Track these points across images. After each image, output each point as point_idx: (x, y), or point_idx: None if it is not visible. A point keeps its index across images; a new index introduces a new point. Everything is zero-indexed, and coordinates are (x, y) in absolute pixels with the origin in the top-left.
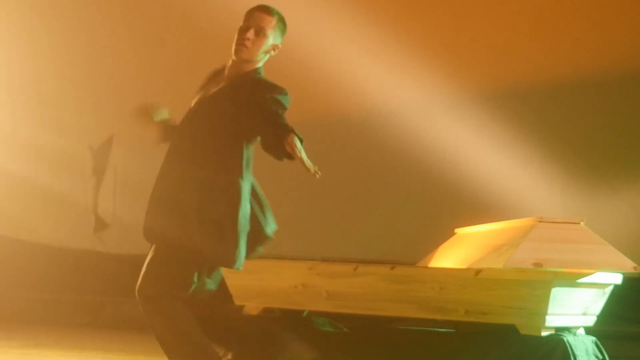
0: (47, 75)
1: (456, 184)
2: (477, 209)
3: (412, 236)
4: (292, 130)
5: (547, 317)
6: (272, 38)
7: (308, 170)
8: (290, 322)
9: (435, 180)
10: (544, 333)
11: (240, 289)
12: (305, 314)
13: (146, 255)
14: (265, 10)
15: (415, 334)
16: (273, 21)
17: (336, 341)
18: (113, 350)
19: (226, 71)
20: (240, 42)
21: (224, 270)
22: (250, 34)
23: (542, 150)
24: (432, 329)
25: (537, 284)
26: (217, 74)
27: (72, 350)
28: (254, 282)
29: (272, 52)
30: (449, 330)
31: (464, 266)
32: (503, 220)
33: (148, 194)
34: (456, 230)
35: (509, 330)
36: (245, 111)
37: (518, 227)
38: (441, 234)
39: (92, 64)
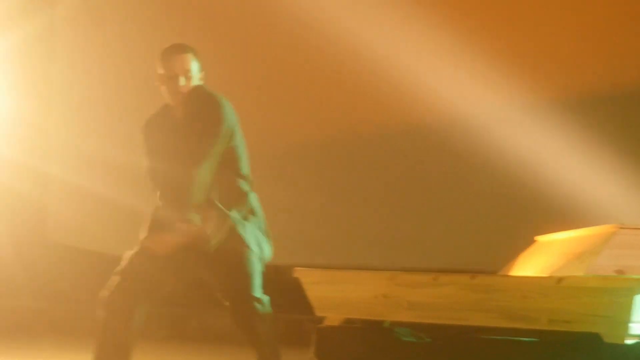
0: (114, 87)
1: (537, 191)
2: (558, 216)
3: (493, 244)
4: None
5: (631, 325)
6: (197, 70)
7: None
8: (371, 332)
9: (516, 188)
10: (628, 341)
11: (320, 300)
12: (386, 324)
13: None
14: (181, 50)
15: (498, 343)
16: (191, 58)
17: (419, 351)
18: None
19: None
20: (176, 91)
21: (303, 282)
22: (182, 81)
23: (622, 156)
24: (515, 338)
25: (619, 292)
26: (160, 119)
27: None
28: (334, 293)
29: (201, 82)
30: (532, 339)
31: (545, 274)
32: (584, 227)
33: None
34: (536, 237)
35: (593, 339)
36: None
37: (599, 234)
38: (522, 241)
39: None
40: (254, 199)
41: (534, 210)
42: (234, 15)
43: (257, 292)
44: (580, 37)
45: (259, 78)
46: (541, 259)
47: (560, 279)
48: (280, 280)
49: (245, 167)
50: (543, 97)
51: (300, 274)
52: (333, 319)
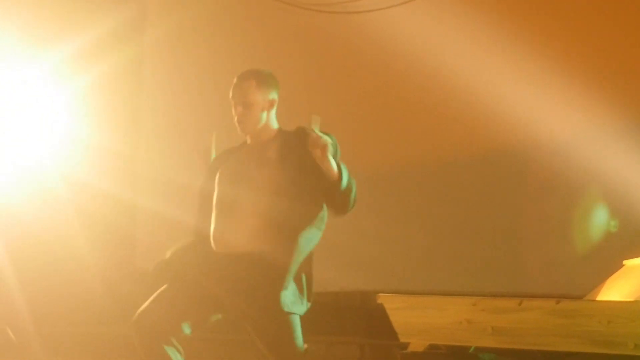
0: (202, 116)
1: (625, 214)
2: None
3: (579, 269)
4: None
5: None
6: (261, 97)
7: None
8: (456, 358)
9: (603, 211)
10: None
11: (404, 325)
12: (471, 350)
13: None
14: (242, 78)
15: None
16: (252, 84)
17: None
18: None
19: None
20: (236, 121)
21: (388, 308)
22: (239, 110)
23: None
24: None
25: None
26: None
27: None
28: (417, 318)
29: (272, 109)
30: None
31: (632, 299)
32: None
33: None
34: (625, 262)
35: None
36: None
37: None
38: (610, 266)
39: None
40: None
41: (622, 234)
42: (321, 42)
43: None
44: None
45: (344, 103)
46: (629, 283)
47: None
48: (366, 306)
49: None
50: (630, 116)
51: (385, 299)
52: (417, 344)
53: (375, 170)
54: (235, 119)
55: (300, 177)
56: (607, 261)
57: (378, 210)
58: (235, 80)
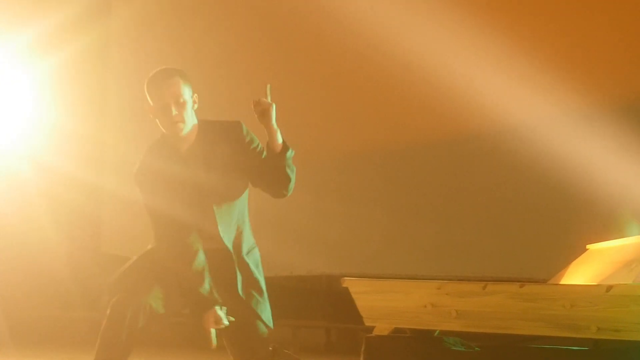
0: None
1: (588, 199)
2: (610, 224)
3: (543, 253)
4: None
5: None
6: (189, 94)
7: None
8: (421, 342)
9: (567, 196)
10: None
11: (369, 309)
12: (436, 333)
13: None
14: (167, 75)
15: (548, 352)
16: (180, 82)
17: None
18: None
19: (176, 144)
20: (172, 122)
21: (353, 292)
22: (175, 109)
23: None
24: (565, 347)
25: None
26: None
27: None
28: (383, 302)
29: (195, 105)
30: (582, 348)
31: (595, 283)
32: (635, 235)
33: None
34: (588, 246)
35: None
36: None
37: None
38: (573, 250)
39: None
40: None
41: (585, 219)
42: (286, 22)
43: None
44: (635, 42)
45: (309, 86)
46: (592, 267)
47: (609, 287)
48: (331, 290)
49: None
50: (595, 103)
51: (350, 283)
52: (382, 328)
53: (341, 153)
54: (166, 120)
55: (238, 160)
56: (570, 245)
57: (343, 194)
58: (155, 79)
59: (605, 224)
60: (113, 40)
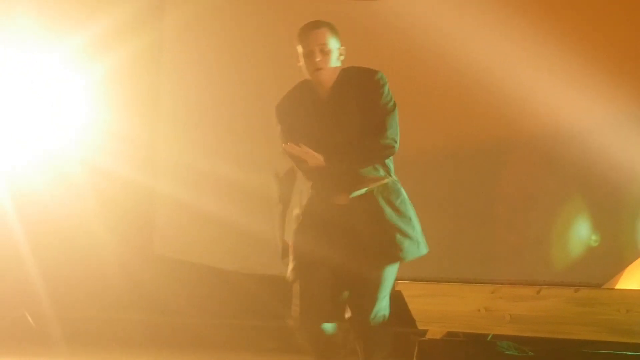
0: (222, 101)
1: None
2: None
3: (598, 258)
4: None
5: None
6: (335, 45)
7: None
8: (474, 346)
9: (623, 199)
10: None
11: (422, 313)
12: (489, 337)
13: None
14: (315, 26)
15: (603, 358)
16: (327, 32)
17: None
18: None
19: (317, 88)
20: (315, 68)
21: (406, 295)
22: (318, 56)
23: None
24: (621, 352)
25: None
26: (300, 102)
27: None
28: (436, 306)
29: (341, 57)
30: (637, 353)
31: None
32: None
33: None
34: None
35: None
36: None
37: None
38: (629, 254)
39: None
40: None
41: None
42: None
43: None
44: None
45: None
46: None
47: None
48: None
49: None
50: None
51: (403, 287)
52: (435, 332)
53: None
54: (310, 65)
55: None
56: (626, 250)
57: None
58: (305, 28)
59: None
60: (166, 42)
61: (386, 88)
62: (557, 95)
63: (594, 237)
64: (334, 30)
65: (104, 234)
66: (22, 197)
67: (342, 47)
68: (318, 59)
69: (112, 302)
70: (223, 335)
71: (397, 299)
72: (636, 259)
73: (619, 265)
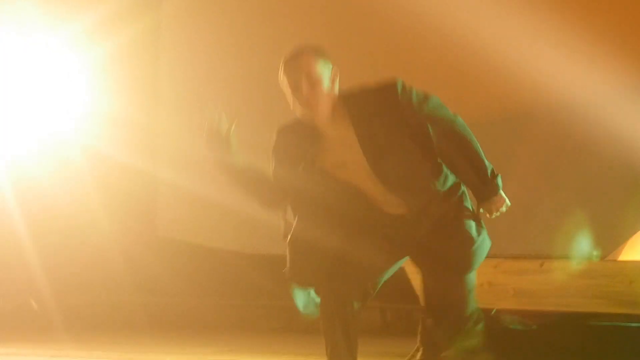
0: (222, 87)
1: None
2: None
3: (601, 230)
4: None
5: None
6: (325, 71)
7: None
8: None
9: (626, 172)
10: None
11: None
12: (493, 312)
13: None
14: (299, 52)
15: (607, 330)
16: (312, 59)
17: (526, 339)
18: (306, 355)
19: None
20: (303, 104)
21: (410, 272)
22: (305, 88)
23: None
24: (625, 323)
25: None
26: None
27: (265, 355)
28: None
29: (336, 79)
30: None
31: None
32: None
33: None
34: None
35: None
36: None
37: None
38: (631, 227)
39: None
40: None
41: None
42: (344, 10)
43: None
44: None
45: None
46: None
47: None
48: None
49: None
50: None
51: (406, 262)
52: None
53: None
54: (298, 101)
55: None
56: (629, 222)
57: None
58: (287, 56)
59: None
60: (165, 28)
61: (414, 91)
62: (562, 70)
63: (597, 209)
64: (323, 55)
65: (105, 220)
66: (23, 184)
67: (335, 68)
68: (305, 91)
69: (115, 286)
70: (227, 316)
71: (400, 275)
72: (638, 230)
73: (622, 237)
